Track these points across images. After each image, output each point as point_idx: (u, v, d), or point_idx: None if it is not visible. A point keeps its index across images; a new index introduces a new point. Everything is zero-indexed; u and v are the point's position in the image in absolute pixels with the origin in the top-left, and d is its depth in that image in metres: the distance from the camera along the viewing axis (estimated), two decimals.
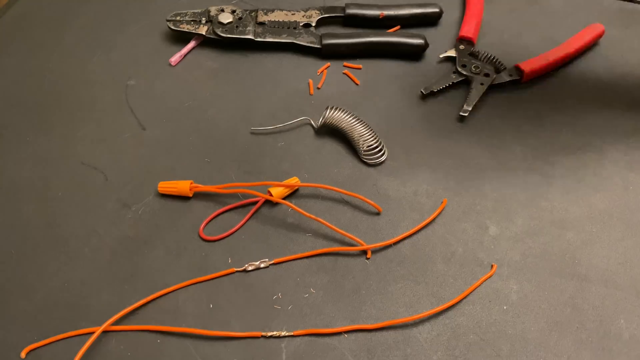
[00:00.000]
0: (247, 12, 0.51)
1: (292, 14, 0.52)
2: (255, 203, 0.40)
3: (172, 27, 0.50)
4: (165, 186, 0.40)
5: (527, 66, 0.47)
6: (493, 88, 0.47)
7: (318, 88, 0.48)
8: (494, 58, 0.49)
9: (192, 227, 0.39)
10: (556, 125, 0.45)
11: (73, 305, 0.36)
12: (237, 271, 0.37)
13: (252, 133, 0.45)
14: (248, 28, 0.50)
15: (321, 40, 0.49)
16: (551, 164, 0.43)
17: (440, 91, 0.47)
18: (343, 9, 0.52)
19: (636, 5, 0.55)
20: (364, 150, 0.42)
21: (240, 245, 0.38)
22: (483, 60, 0.49)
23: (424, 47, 0.50)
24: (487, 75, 0.47)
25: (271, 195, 0.40)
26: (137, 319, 0.35)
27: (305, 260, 0.37)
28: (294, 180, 0.40)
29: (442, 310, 0.35)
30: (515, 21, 0.53)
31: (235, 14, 0.51)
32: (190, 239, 0.39)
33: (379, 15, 0.52)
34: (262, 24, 0.51)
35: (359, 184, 0.41)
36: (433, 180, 0.42)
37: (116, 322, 0.35)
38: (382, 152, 0.43)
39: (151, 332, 0.34)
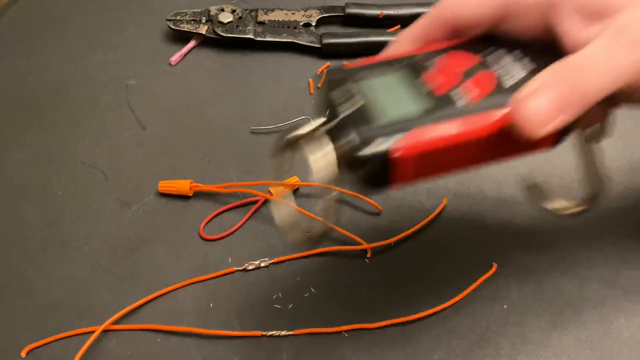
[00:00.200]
0: (247, 11, 0.51)
1: (292, 14, 0.52)
2: (255, 202, 0.40)
3: (172, 27, 0.50)
4: (166, 185, 0.40)
5: None
6: None
7: (318, 87, 0.47)
8: None
9: (192, 227, 0.39)
10: None
11: (73, 304, 0.36)
12: (237, 270, 0.37)
13: (252, 132, 0.45)
14: (248, 27, 0.50)
15: (321, 40, 0.49)
16: (551, 163, 0.43)
17: None
18: (343, 8, 0.52)
19: None
20: None
21: (240, 244, 0.38)
22: None
23: None
24: None
25: (271, 194, 0.40)
26: (137, 319, 0.35)
27: (305, 259, 0.37)
28: (294, 180, 0.40)
29: (442, 309, 0.35)
30: None
31: (235, 13, 0.51)
32: (191, 238, 0.39)
33: (379, 15, 0.52)
34: (262, 23, 0.51)
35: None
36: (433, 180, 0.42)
37: (116, 322, 0.35)
38: None
39: (151, 332, 0.34)
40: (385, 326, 0.34)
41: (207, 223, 0.39)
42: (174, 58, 0.50)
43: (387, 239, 0.38)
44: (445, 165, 0.25)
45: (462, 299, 0.36)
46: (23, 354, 0.33)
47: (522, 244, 0.38)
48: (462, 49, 0.27)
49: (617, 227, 0.39)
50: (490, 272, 0.37)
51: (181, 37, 0.51)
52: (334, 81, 0.27)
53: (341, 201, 0.40)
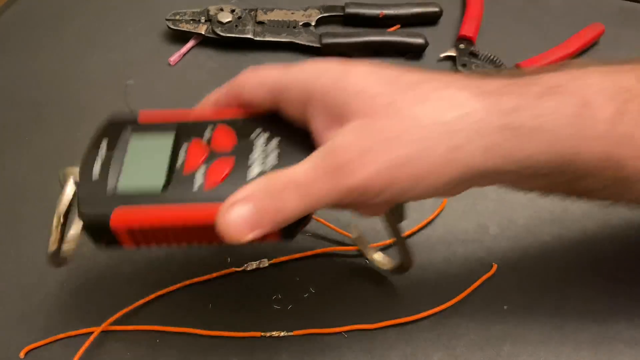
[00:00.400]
0: (247, 11, 0.51)
1: (292, 13, 0.52)
2: None
3: (171, 27, 0.50)
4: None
5: (528, 65, 0.47)
6: None
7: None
8: (494, 57, 0.48)
9: None
10: None
11: (72, 305, 0.36)
12: (236, 271, 0.37)
13: None
14: (247, 27, 0.50)
15: (321, 40, 0.49)
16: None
17: None
18: (343, 8, 0.52)
19: (636, 4, 0.55)
20: None
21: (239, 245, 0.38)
22: (483, 60, 0.49)
23: (424, 46, 0.49)
24: None
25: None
26: (137, 319, 0.35)
27: (305, 260, 0.37)
28: None
29: (443, 309, 0.35)
30: (515, 20, 0.53)
31: (234, 13, 0.51)
32: None
33: (378, 15, 0.52)
34: (261, 23, 0.51)
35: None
36: None
37: (115, 322, 0.34)
38: None
39: (151, 332, 0.34)
40: (385, 326, 0.34)
41: None
42: (173, 58, 0.49)
43: (387, 239, 0.38)
44: (164, 239, 0.27)
45: (462, 299, 0.35)
46: (22, 354, 0.33)
47: (522, 244, 0.38)
48: (231, 125, 0.28)
49: (617, 227, 0.39)
50: (491, 272, 0.37)
51: (180, 37, 0.51)
52: (111, 125, 0.29)
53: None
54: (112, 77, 0.49)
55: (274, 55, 0.50)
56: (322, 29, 0.52)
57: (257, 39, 0.50)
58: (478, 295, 0.36)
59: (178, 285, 0.36)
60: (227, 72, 0.49)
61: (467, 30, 0.50)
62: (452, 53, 0.49)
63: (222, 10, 0.51)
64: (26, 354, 0.34)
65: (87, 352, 0.33)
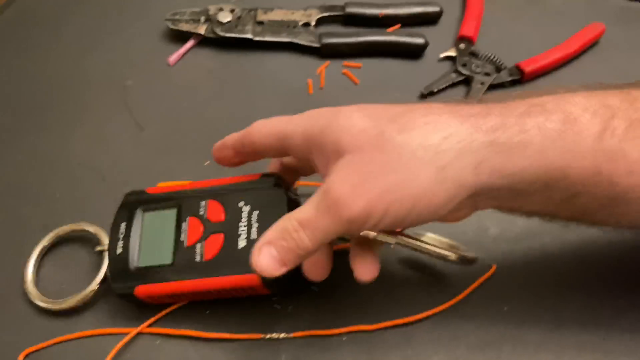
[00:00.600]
0: (246, 11, 0.51)
1: (292, 13, 0.52)
2: None
3: (171, 26, 0.50)
4: (165, 186, 0.40)
5: (528, 65, 0.47)
6: (493, 87, 0.47)
7: (320, 88, 0.47)
8: (494, 57, 0.48)
9: None
10: None
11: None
12: None
13: None
14: (247, 27, 0.50)
15: (320, 40, 0.49)
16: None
17: (441, 90, 0.47)
18: (343, 7, 0.52)
19: (637, 4, 0.54)
20: None
21: None
22: (483, 60, 0.48)
23: (424, 46, 0.49)
24: (487, 74, 0.47)
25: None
26: (135, 322, 0.35)
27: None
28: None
29: (442, 310, 0.35)
30: (516, 20, 0.53)
31: (234, 13, 0.51)
32: None
33: (378, 15, 0.51)
34: (261, 23, 0.51)
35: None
36: None
37: (115, 324, 0.34)
38: None
39: (150, 335, 0.34)
40: (385, 328, 0.34)
41: None
42: (172, 58, 0.49)
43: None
44: (175, 300, 0.35)
45: (461, 300, 0.35)
46: (20, 358, 0.33)
47: (521, 245, 0.38)
48: (219, 197, 0.34)
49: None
50: (490, 272, 0.37)
51: (179, 37, 0.51)
52: (129, 203, 0.36)
53: None
54: (110, 77, 0.48)
55: (273, 55, 0.50)
56: (322, 29, 0.52)
57: (257, 39, 0.50)
58: (478, 296, 0.36)
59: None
60: (227, 72, 0.49)
61: (467, 30, 0.50)
62: (452, 53, 0.49)
63: (221, 10, 0.51)
64: (25, 357, 0.33)
65: (86, 352, 0.33)
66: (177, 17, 0.51)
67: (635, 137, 0.26)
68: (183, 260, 0.33)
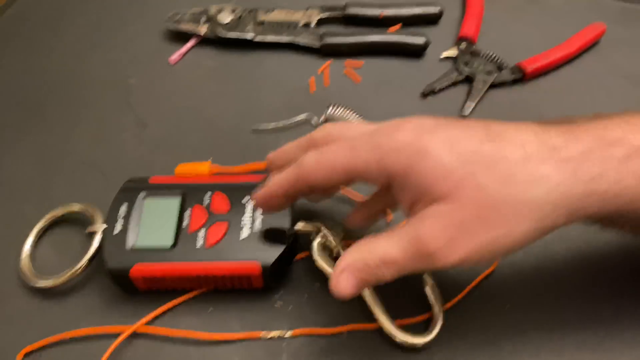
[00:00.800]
0: (247, 11, 0.51)
1: (292, 13, 0.52)
2: None
3: (172, 27, 0.50)
4: (184, 169, 0.40)
5: (529, 65, 0.47)
6: (494, 87, 0.47)
7: (325, 87, 0.47)
8: (495, 57, 0.48)
9: None
10: None
11: (71, 305, 0.36)
12: None
13: (254, 132, 0.44)
14: (248, 27, 0.50)
15: (321, 40, 0.49)
16: None
17: (442, 90, 0.47)
18: (343, 8, 0.52)
19: (637, 4, 0.55)
20: None
21: None
22: (484, 59, 0.48)
23: (425, 45, 0.49)
24: (488, 74, 0.47)
25: None
26: (135, 321, 0.35)
27: (305, 260, 0.37)
28: None
29: (443, 310, 0.35)
30: (516, 20, 0.53)
31: (235, 13, 0.51)
32: None
33: (379, 15, 0.52)
34: (262, 23, 0.51)
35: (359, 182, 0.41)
36: None
37: (115, 323, 0.34)
38: None
39: (149, 335, 0.34)
40: None
41: None
42: (173, 58, 0.49)
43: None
44: (171, 285, 0.34)
45: (462, 298, 0.35)
46: (19, 358, 0.33)
47: None
48: (226, 191, 0.35)
49: None
50: (489, 269, 0.36)
51: (180, 37, 0.51)
52: (130, 188, 0.36)
53: (342, 199, 0.40)
54: (112, 76, 0.49)
55: (274, 55, 0.50)
56: (323, 29, 0.52)
57: (258, 39, 0.50)
58: (479, 294, 0.36)
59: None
60: (228, 71, 0.49)
61: (468, 30, 0.50)
62: (453, 53, 0.49)
63: (222, 10, 0.51)
64: (23, 357, 0.33)
65: (85, 352, 0.33)
66: (178, 17, 0.51)
67: None
68: (184, 245, 0.33)
